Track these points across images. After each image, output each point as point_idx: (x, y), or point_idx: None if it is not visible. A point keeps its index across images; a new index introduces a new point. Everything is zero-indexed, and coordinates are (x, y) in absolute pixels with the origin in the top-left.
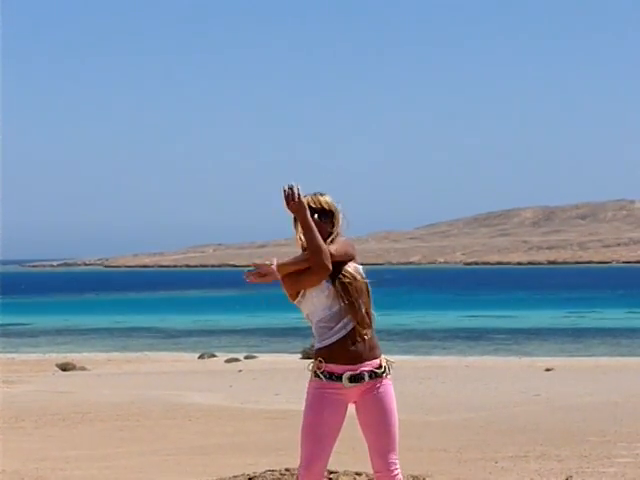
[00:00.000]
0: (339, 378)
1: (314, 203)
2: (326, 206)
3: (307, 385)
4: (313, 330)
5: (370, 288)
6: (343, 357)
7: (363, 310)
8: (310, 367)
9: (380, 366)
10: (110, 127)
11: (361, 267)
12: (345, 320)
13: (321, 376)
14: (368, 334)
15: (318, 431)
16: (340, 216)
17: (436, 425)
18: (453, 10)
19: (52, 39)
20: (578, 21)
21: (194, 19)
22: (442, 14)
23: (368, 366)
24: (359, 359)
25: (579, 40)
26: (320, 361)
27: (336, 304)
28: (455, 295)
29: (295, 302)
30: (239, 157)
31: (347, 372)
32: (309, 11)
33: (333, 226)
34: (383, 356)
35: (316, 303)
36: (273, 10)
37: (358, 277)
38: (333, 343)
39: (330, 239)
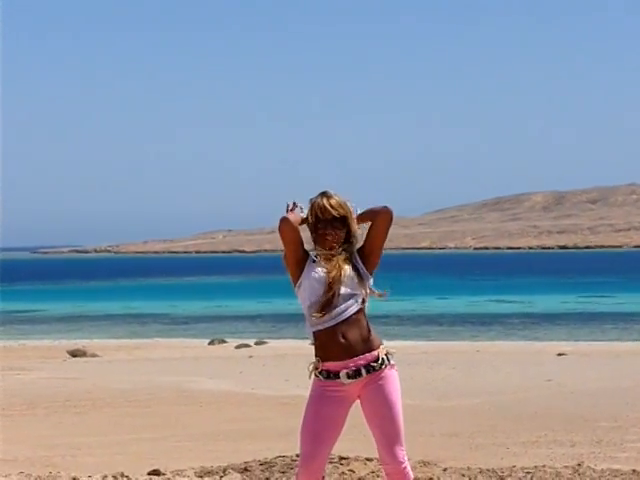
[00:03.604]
0: (337, 376)
1: (322, 213)
2: (336, 213)
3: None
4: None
5: (367, 282)
6: (336, 353)
7: (349, 306)
8: (310, 367)
9: (377, 359)
10: (122, 115)
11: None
12: (335, 311)
13: (320, 376)
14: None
15: (316, 429)
16: (353, 215)
17: (447, 410)
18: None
19: (53, 31)
20: (585, 10)
21: (197, 14)
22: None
23: (364, 360)
24: (353, 353)
25: (589, 25)
26: (318, 360)
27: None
28: (465, 280)
29: (295, 286)
30: (249, 144)
31: (343, 370)
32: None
33: (350, 230)
34: (382, 346)
35: (307, 285)
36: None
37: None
38: (321, 332)
39: (350, 243)
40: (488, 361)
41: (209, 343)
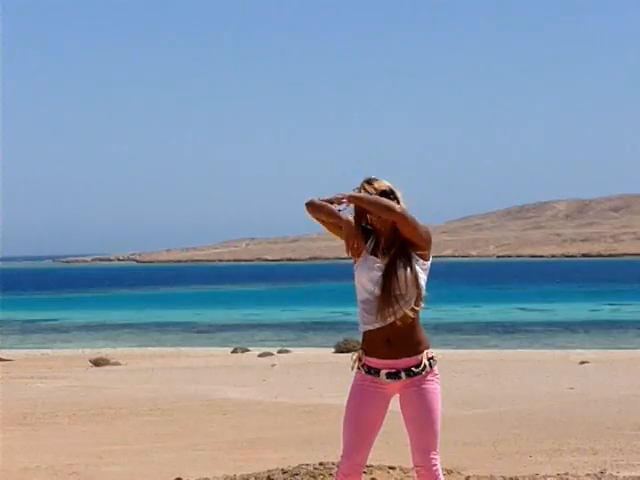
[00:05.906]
0: (377, 373)
1: (369, 191)
2: (385, 188)
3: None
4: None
5: (421, 283)
6: (381, 351)
7: (401, 307)
8: (354, 357)
9: (419, 364)
10: (147, 124)
11: (425, 265)
12: (386, 312)
13: (361, 369)
14: (406, 330)
15: (358, 422)
16: (401, 195)
17: (470, 419)
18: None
19: (47, 36)
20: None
21: (195, 16)
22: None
23: (406, 363)
24: (397, 355)
25: (613, 30)
26: (361, 353)
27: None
28: (489, 288)
29: (355, 265)
30: (271, 152)
31: (384, 369)
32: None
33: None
34: (427, 351)
35: (360, 280)
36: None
37: (409, 272)
38: (371, 331)
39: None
40: (511, 369)
41: (232, 351)
